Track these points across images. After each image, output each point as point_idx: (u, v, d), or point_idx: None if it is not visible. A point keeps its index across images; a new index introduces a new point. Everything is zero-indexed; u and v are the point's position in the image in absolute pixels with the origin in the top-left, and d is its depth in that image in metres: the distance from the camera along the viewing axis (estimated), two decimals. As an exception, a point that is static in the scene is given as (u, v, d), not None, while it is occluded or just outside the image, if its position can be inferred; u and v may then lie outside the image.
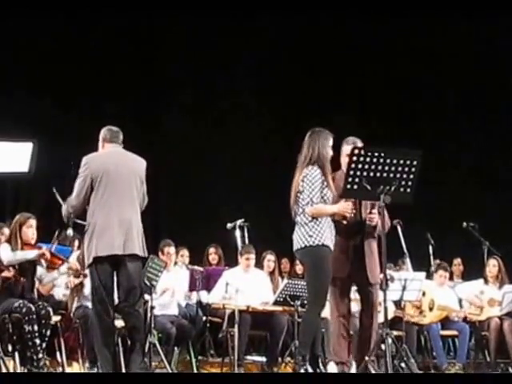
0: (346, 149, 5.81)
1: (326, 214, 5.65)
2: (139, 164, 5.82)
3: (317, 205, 5.62)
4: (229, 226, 8.42)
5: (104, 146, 5.84)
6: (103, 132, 5.86)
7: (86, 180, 5.60)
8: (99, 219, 5.56)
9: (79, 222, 6.43)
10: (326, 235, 5.65)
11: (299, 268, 8.79)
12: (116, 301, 5.67)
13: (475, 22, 9.53)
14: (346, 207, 5.65)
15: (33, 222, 6.51)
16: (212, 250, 8.72)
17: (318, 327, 5.84)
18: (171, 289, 7.51)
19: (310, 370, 5.72)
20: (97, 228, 5.55)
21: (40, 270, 6.56)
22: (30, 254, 6.35)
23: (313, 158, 5.72)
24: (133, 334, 5.63)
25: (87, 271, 5.86)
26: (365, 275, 5.83)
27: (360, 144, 5.87)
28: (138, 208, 5.70)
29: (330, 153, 5.82)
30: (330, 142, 5.82)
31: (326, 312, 7.70)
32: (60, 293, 7.04)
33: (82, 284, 6.76)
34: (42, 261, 6.40)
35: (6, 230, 6.60)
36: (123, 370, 5.85)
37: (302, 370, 5.63)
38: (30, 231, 6.49)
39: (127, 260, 5.58)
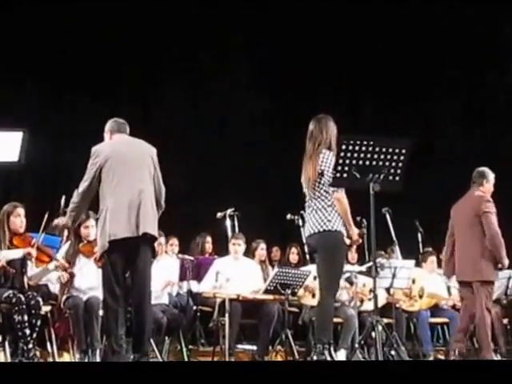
0: None
1: (347, 220, 5.70)
2: (149, 148, 5.82)
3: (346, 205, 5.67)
4: (219, 215, 8.39)
5: (111, 138, 5.87)
6: (110, 124, 5.89)
7: (94, 168, 5.61)
8: (111, 203, 5.54)
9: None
10: (341, 222, 5.71)
11: (293, 257, 8.81)
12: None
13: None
14: (357, 240, 5.87)
15: (20, 210, 6.47)
16: (209, 238, 8.71)
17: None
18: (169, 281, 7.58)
19: (329, 357, 5.60)
20: (109, 212, 5.53)
21: (28, 265, 6.52)
22: (15, 254, 6.33)
23: (327, 142, 5.80)
24: (135, 328, 5.61)
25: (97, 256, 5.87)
26: None
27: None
28: (151, 189, 5.65)
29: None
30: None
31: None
32: (52, 286, 7.02)
33: (71, 277, 6.74)
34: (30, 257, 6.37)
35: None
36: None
37: (316, 357, 5.55)
38: (18, 220, 6.45)
39: (140, 245, 5.56)
